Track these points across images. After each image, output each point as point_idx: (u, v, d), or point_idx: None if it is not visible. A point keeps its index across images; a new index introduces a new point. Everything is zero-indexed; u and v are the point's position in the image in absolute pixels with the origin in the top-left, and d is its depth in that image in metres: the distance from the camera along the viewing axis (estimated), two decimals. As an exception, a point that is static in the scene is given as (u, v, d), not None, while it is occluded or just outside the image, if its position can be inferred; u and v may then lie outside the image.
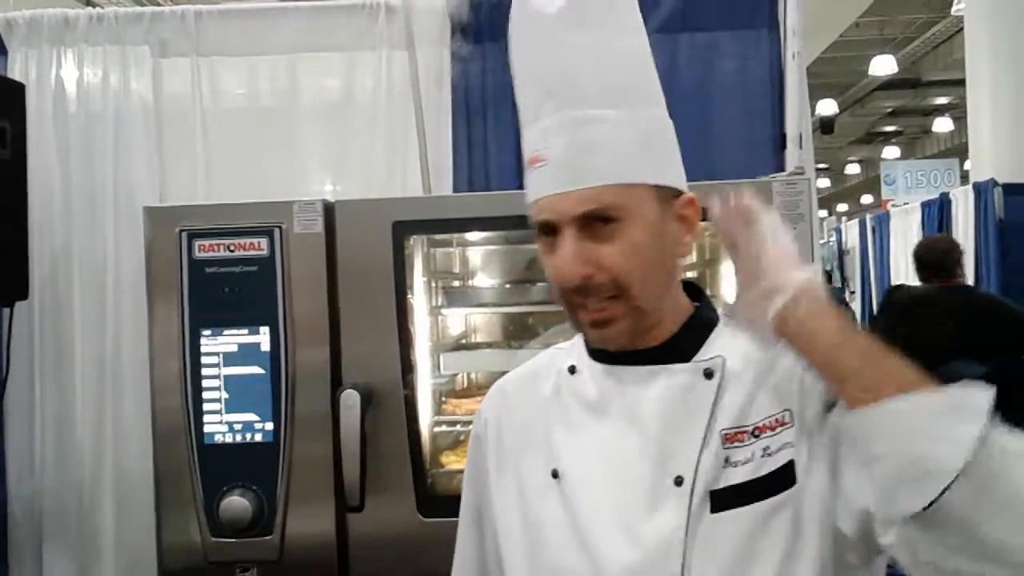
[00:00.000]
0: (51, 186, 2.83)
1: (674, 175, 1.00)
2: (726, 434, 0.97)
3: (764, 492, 0.94)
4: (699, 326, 1.03)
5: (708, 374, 0.99)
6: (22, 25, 2.88)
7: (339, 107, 2.89)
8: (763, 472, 0.94)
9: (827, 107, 12.89)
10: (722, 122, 2.73)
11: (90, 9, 2.95)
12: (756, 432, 0.96)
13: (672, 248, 0.99)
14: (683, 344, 1.02)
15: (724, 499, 0.94)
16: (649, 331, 1.01)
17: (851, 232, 10.79)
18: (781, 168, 2.68)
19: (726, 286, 1.99)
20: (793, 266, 0.94)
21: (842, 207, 23.51)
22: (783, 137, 2.74)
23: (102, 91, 2.88)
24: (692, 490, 0.95)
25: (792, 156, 2.69)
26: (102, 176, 2.86)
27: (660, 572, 0.94)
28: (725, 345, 1.01)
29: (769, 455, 0.95)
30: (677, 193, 1.00)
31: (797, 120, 2.73)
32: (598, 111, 0.96)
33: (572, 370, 1.05)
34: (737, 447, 0.96)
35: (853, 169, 21.64)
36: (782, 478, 0.94)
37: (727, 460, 0.96)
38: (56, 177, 2.85)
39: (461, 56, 2.84)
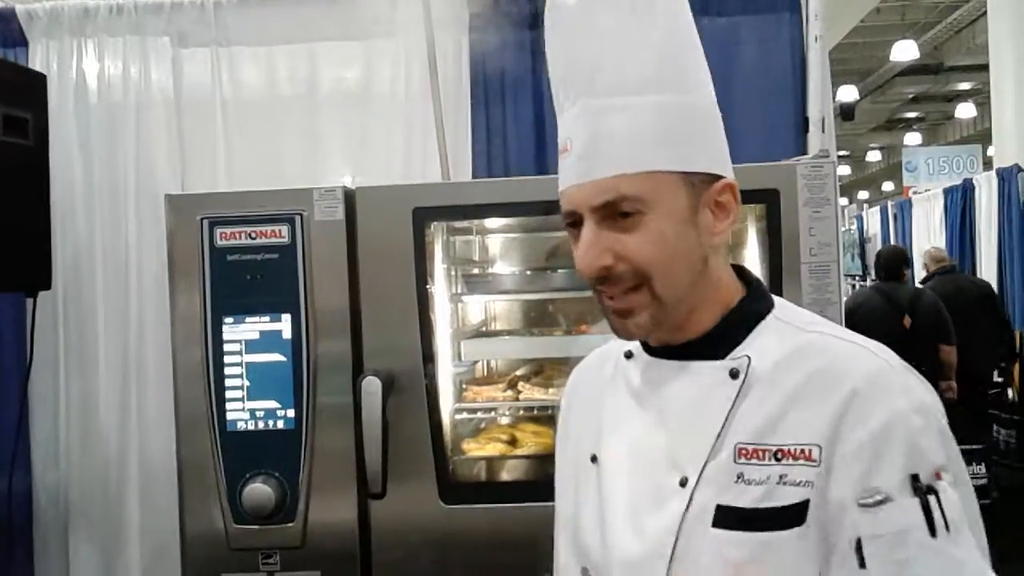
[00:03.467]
0: (73, 177, 2.85)
1: (708, 161, 0.96)
2: (742, 448, 0.92)
3: (771, 524, 0.89)
4: (741, 319, 0.98)
5: (733, 374, 0.94)
6: (42, 16, 2.90)
7: (358, 95, 2.89)
8: (775, 503, 0.89)
9: (848, 93, 12.77)
10: (744, 106, 2.70)
11: (110, 0, 2.95)
12: (779, 455, 0.90)
13: (703, 238, 0.96)
14: (720, 338, 0.97)
15: (728, 518, 0.91)
16: (685, 323, 0.98)
17: (872, 219, 10.71)
18: (803, 152, 2.66)
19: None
20: None
21: (863, 194, 23.32)
22: (805, 121, 2.71)
23: (123, 82, 2.89)
24: (691, 495, 0.92)
25: (815, 140, 2.66)
26: (123, 166, 2.88)
27: (649, 570, 0.93)
28: (766, 344, 0.96)
29: (785, 484, 0.89)
30: (712, 179, 0.96)
31: (820, 104, 2.70)
32: (618, 99, 0.94)
33: (628, 355, 1.04)
34: (754, 465, 0.91)
35: (874, 156, 21.45)
36: (794, 514, 0.89)
37: (740, 476, 0.91)
38: (78, 168, 2.87)
39: (479, 43, 2.83)
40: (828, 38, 2.82)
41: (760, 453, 0.91)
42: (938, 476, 0.87)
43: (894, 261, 5.28)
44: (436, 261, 2.07)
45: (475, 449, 2.09)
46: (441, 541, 1.89)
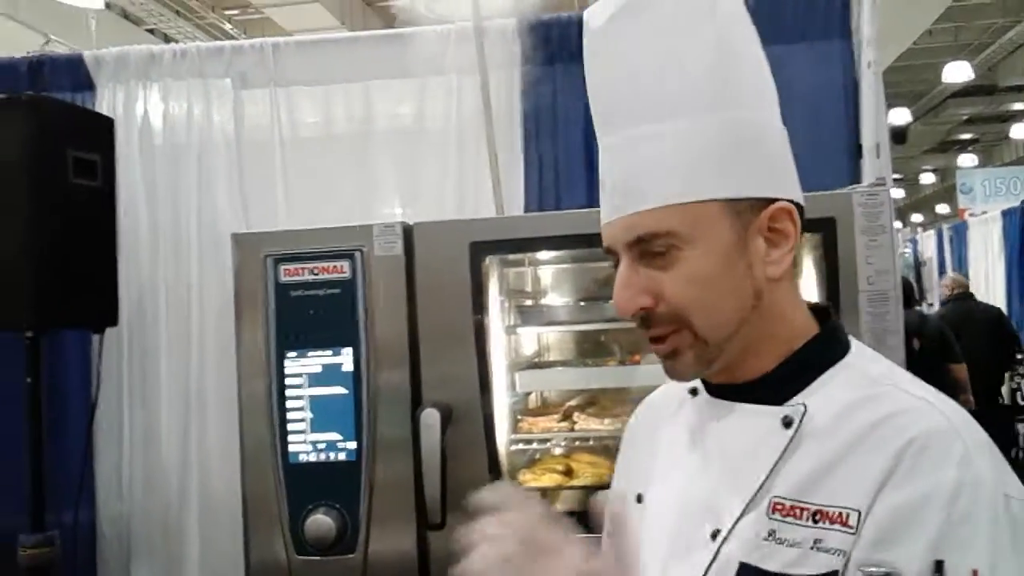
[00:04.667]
0: (138, 216, 2.94)
1: (756, 184, 0.87)
2: (777, 503, 0.83)
3: None
4: (806, 362, 0.89)
5: (786, 423, 0.85)
6: (110, 62, 3.00)
7: (412, 131, 2.95)
8: (803, 570, 0.80)
9: (899, 116, 12.59)
10: (796, 134, 2.67)
11: (174, 45, 3.06)
12: (817, 516, 0.81)
13: (756, 269, 0.87)
14: (780, 382, 0.89)
15: None
16: (742, 363, 0.90)
17: (927, 243, 10.53)
18: (857, 179, 2.64)
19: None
20: None
21: (917, 217, 22.91)
22: (859, 148, 2.70)
23: (186, 123, 2.98)
24: (719, 549, 0.86)
25: (869, 167, 2.65)
26: (186, 205, 2.96)
27: None
28: (831, 393, 0.86)
29: (819, 550, 0.80)
30: (764, 203, 0.87)
31: (874, 130, 2.68)
32: (653, 126, 0.86)
33: (693, 392, 0.97)
34: (790, 523, 0.82)
35: (928, 179, 21.08)
36: None
37: (772, 533, 0.83)
38: (142, 207, 2.96)
39: (531, 77, 2.87)
40: (880, 62, 2.81)
41: (797, 511, 0.82)
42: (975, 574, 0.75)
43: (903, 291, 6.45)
44: (491, 293, 2.09)
45: (532, 480, 2.09)
46: (500, 572, 1.89)
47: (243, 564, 2.87)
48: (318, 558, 1.90)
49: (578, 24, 2.90)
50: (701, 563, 0.86)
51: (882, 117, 2.78)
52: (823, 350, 0.90)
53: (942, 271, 9.39)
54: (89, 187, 2.54)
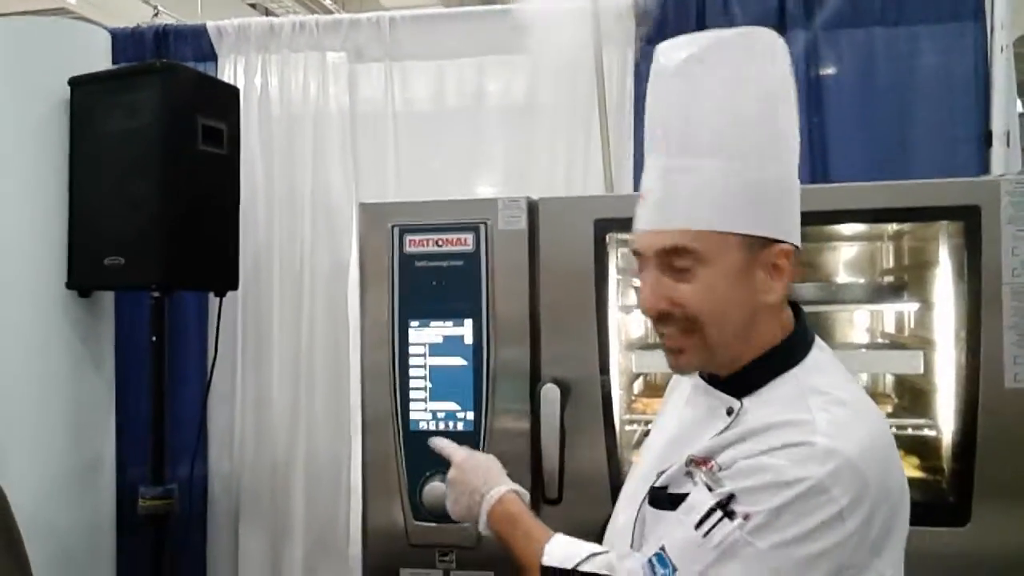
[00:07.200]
0: (255, 184, 3.02)
1: (770, 226, 1.05)
2: (695, 458, 1.08)
3: (671, 506, 1.08)
4: (768, 366, 1.09)
5: (728, 411, 1.09)
6: (231, 33, 3.08)
7: (523, 108, 2.95)
8: (681, 490, 1.08)
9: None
10: (923, 120, 2.61)
11: (293, 17, 3.12)
12: (712, 467, 1.06)
13: (756, 295, 1.06)
14: (742, 381, 1.10)
15: (657, 498, 1.12)
16: (727, 364, 1.10)
17: (1036, 239, 10.08)
18: (986, 169, 2.55)
19: (937, 290, 1.91)
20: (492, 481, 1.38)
21: None
22: (988, 135, 2.59)
23: (303, 95, 3.04)
24: (647, 493, 1.13)
25: (999, 155, 2.55)
26: (301, 176, 3.04)
27: (625, 535, 1.17)
28: (773, 396, 1.07)
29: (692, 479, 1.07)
30: (771, 242, 1.05)
31: (1004, 117, 2.58)
32: (698, 160, 1.04)
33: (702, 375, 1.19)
34: (701, 471, 1.07)
35: (1036, 172, 20.15)
36: (678, 502, 1.07)
37: (688, 474, 1.08)
38: (260, 177, 3.04)
39: (645, 57, 2.84)
40: (1011, 46, 2.70)
41: (706, 463, 1.07)
42: (745, 518, 0.99)
43: None
44: (610, 273, 2.08)
45: (644, 460, 2.08)
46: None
47: (344, 525, 2.96)
48: (434, 525, 1.93)
49: (696, 2, 2.85)
50: (637, 503, 1.15)
51: (1013, 104, 2.67)
52: (778, 359, 1.09)
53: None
54: (216, 154, 2.61)
